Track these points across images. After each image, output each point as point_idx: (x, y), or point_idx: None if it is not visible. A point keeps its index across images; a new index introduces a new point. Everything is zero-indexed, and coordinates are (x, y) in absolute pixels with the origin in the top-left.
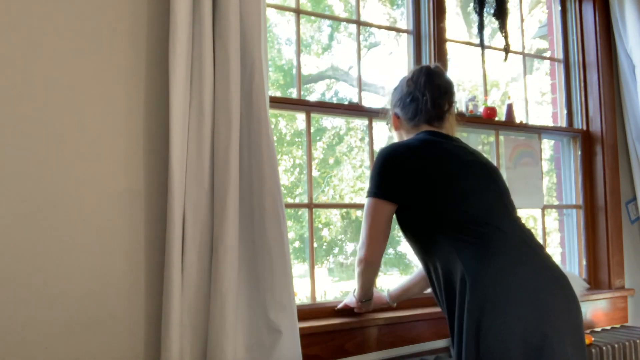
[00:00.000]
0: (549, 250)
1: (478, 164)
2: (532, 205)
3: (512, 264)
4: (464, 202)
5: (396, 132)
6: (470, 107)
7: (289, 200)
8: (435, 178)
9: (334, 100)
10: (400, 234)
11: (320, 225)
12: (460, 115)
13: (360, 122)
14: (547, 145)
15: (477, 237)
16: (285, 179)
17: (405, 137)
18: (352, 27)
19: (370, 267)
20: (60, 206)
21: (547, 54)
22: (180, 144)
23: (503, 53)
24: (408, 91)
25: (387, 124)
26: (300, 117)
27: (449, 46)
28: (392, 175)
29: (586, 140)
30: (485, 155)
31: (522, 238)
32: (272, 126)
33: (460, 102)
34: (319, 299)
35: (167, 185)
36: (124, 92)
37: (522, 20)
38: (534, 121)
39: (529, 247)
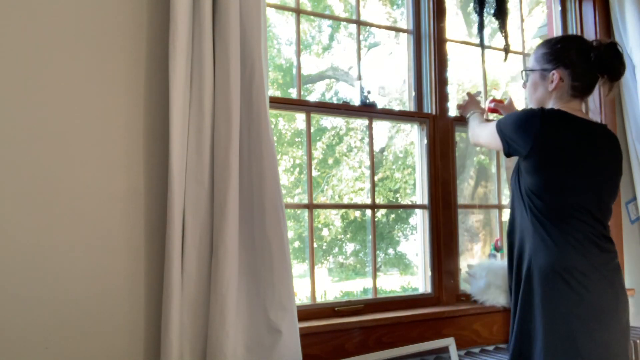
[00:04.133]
0: None
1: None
2: None
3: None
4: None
5: (549, 92)
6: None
7: (289, 200)
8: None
9: (334, 100)
10: (400, 234)
11: (320, 226)
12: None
13: (360, 122)
14: None
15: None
16: (285, 179)
17: (553, 103)
18: (352, 27)
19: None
20: (60, 206)
21: None
22: (180, 144)
23: (503, 53)
24: (589, 66)
25: (531, 77)
26: (300, 117)
27: (449, 46)
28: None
29: None
30: (483, 156)
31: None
32: (272, 126)
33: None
34: (319, 299)
35: (167, 185)
36: (124, 92)
37: (522, 20)
38: None
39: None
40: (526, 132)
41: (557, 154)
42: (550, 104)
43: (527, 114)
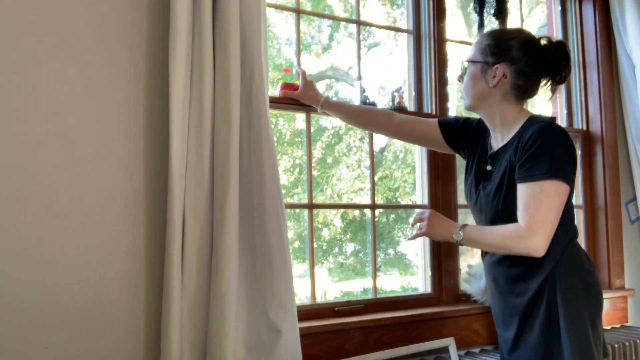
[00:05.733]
0: None
1: None
2: None
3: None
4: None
5: (491, 87)
6: (397, 99)
7: (289, 200)
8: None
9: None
10: (400, 234)
11: (319, 225)
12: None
13: None
14: None
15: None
16: (285, 179)
17: (498, 102)
18: (352, 27)
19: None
20: (60, 206)
21: None
22: (180, 144)
23: None
24: (536, 63)
25: (470, 69)
26: (300, 117)
27: (449, 46)
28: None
29: (586, 140)
30: None
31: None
32: (272, 126)
33: (387, 93)
34: (319, 299)
35: (167, 185)
36: (124, 92)
37: (522, 20)
38: None
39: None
40: (572, 156)
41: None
42: (494, 103)
43: (557, 137)
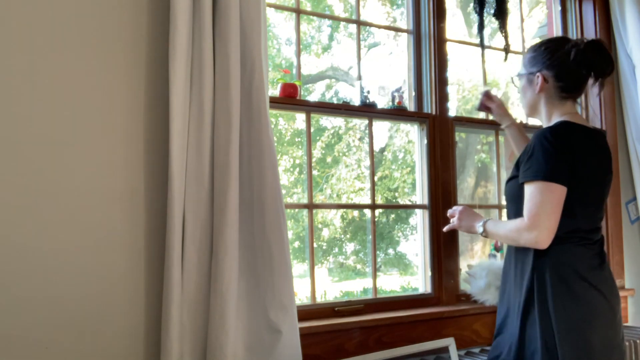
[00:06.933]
0: None
1: (606, 182)
2: None
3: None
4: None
5: (537, 94)
6: (397, 99)
7: (289, 200)
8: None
9: (334, 100)
10: (400, 234)
11: (319, 225)
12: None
13: (359, 122)
14: None
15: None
16: (285, 179)
17: (544, 106)
18: (352, 27)
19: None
20: (61, 206)
21: None
22: (180, 144)
23: (503, 53)
24: (576, 62)
25: (521, 82)
26: (300, 117)
27: (449, 46)
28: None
29: None
30: (484, 155)
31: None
32: (272, 126)
33: (387, 93)
34: (319, 299)
35: (167, 185)
36: (124, 92)
37: (522, 20)
38: (534, 121)
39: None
40: (563, 157)
41: (580, 174)
42: (542, 107)
43: (548, 142)
